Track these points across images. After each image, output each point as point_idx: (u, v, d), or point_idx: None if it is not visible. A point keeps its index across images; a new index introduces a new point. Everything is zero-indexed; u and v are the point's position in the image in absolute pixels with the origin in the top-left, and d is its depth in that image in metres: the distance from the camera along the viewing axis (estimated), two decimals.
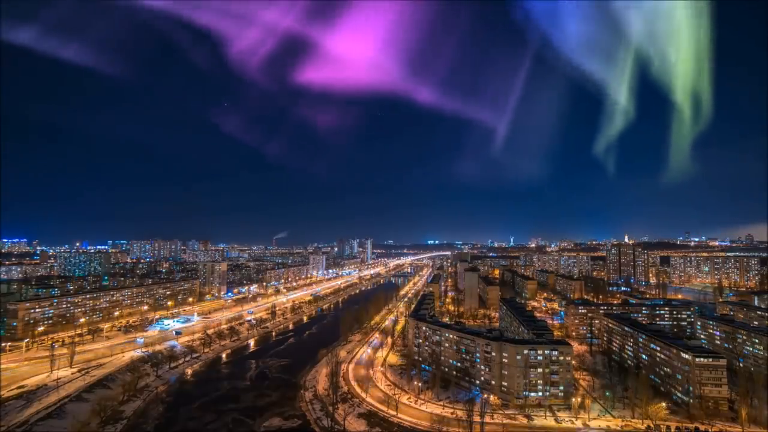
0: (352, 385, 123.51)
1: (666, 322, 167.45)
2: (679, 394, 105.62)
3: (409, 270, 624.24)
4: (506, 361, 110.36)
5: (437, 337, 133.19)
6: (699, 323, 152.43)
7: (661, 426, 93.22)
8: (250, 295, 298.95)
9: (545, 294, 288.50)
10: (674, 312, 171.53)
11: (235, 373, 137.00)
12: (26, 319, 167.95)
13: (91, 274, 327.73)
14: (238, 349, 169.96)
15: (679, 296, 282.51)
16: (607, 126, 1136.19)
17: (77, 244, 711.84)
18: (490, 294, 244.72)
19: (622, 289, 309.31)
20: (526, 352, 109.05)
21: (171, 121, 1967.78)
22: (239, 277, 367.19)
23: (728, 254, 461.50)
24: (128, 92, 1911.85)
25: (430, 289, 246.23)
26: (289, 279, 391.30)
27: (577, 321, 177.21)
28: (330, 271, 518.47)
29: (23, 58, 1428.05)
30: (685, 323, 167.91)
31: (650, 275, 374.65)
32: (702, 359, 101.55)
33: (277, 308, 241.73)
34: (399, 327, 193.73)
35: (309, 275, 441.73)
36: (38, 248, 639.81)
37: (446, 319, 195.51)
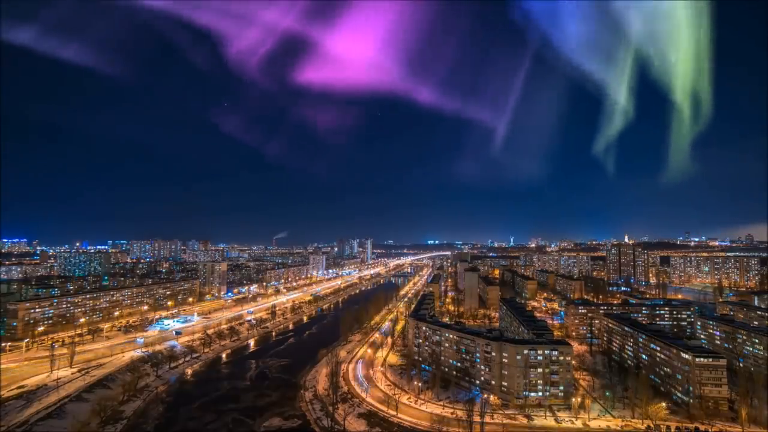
0: (352, 385, 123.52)
1: (666, 322, 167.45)
2: (679, 394, 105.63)
3: (409, 270, 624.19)
4: (506, 361, 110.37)
5: (437, 337, 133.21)
6: (699, 323, 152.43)
7: (661, 426, 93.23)
8: (250, 295, 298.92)
9: (545, 294, 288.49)
10: (674, 312, 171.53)
11: (235, 373, 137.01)
12: (26, 319, 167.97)
13: (91, 274, 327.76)
14: (238, 349, 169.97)
15: (679, 296, 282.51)
16: (606, 126, 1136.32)
17: (77, 244, 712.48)
18: (490, 294, 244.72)
19: (622, 289, 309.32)
20: (526, 352, 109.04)
21: (171, 121, 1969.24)
22: (239, 277, 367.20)
23: (728, 254, 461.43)
24: (128, 92, 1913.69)
25: (430, 289, 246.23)
26: (289, 279, 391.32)
27: (577, 321, 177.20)
28: (330, 271, 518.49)
29: (23, 58, 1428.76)
30: (685, 323, 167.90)
31: (650, 275, 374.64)
32: (702, 359, 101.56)
33: (277, 308, 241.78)
34: (399, 327, 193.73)
35: (309, 275, 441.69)
36: (38, 248, 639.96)
37: (446, 319, 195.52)
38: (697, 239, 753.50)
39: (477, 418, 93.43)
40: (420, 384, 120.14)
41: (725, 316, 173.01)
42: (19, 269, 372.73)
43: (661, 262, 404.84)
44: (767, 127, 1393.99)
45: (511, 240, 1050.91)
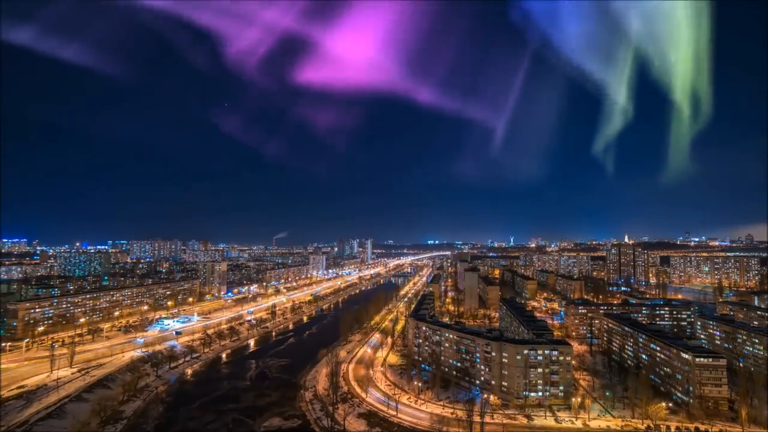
0: (352, 385, 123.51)
1: (666, 322, 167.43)
2: (679, 394, 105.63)
3: (409, 270, 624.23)
4: (506, 361, 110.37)
5: (437, 337, 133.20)
6: (699, 323, 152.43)
7: (661, 426, 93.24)
8: (250, 295, 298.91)
9: (545, 294, 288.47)
10: (674, 312, 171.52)
11: (235, 373, 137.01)
12: (26, 319, 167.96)
13: (91, 274, 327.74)
14: (238, 349, 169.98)
15: (679, 296, 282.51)
16: (606, 126, 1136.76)
17: (77, 244, 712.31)
18: (490, 294, 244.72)
19: (622, 289, 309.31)
20: (526, 352, 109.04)
21: (171, 121, 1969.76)
22: (239, 277, 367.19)
23: (728, 254, 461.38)
24: (128, 92, 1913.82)
25: (430, 289, 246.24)
26: (289, 279, 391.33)
27: (577, 321, 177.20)
28: (330, 271, 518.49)
29: (23, 58, 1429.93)
30: (685, 323, 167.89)
31: (650, 275, 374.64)
32: (702, 359, 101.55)
33: (277, 308, 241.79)
34: (399, 327, 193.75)
35: (309, 275, 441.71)
36: (38, 248, 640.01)
37: (446, 319, 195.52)
38: (697, 239, 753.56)
39: (477, 418, 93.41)
40: (420, 384, 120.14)
41: (725, 316, 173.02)
42: (19, 269, 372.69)
43: (661, 262, 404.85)
44: (767, 127, 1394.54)
45: (511, 240, 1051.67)
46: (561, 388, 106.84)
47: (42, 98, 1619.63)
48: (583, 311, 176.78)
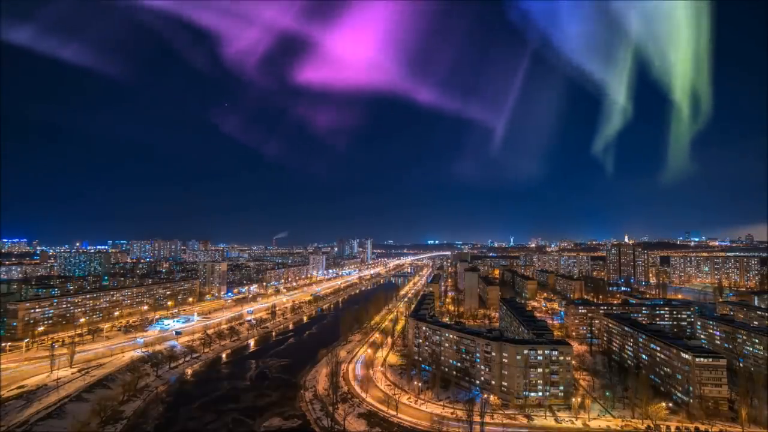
0: (352, 385, 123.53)
1: (666, 322, 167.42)
2: (679, 394, 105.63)
3: (409, 270, 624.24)
4: (506, 361, 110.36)
5: (437, 337, 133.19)
6: (699, 323, 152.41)
7: (661, 426, 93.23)
8: (250, 295, 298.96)
9: (545, 294, 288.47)
10: (674, 312, 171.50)
11: (235, 373, 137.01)
12: (26, 319, 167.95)
13: (91, 274, 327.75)
14: (238, 349, 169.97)
15: (679, 296, 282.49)
16: (606, 126, 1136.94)
17: (77, 244, 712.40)
18: (490, 294, 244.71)
19: (622, 289, 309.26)
20: (526, 352, 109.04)
21: (171, 121, 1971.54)
22: (239, 277, 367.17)
23: (728, 254, 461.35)
24: (128, 92, 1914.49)
25: (430, 289, 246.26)
26: (289, 279, 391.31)
27: (577, 321, 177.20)
28: (330, 271, 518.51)
29: (23, 58, 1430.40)
30: (685, 323, 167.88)
31: (650, 275, 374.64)
32: (702, 359, 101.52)
33: (277, 308, 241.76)
34: (399, 327, 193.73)
35: (309, 275, 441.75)
36: (38, 248, 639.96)
37: (446, 319, 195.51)
38: (697, 239, 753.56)
39: (477, 418, 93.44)
40: (420, 384, 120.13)
41: (725, 316, 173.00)
42: (19, 269, 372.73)
43: (661, 262, 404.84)
44: (767, 127, 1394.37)
45: (511, 240, 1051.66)
46: (561, 388, 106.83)
47: (42, 98, 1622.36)
48: (583, 311, 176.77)
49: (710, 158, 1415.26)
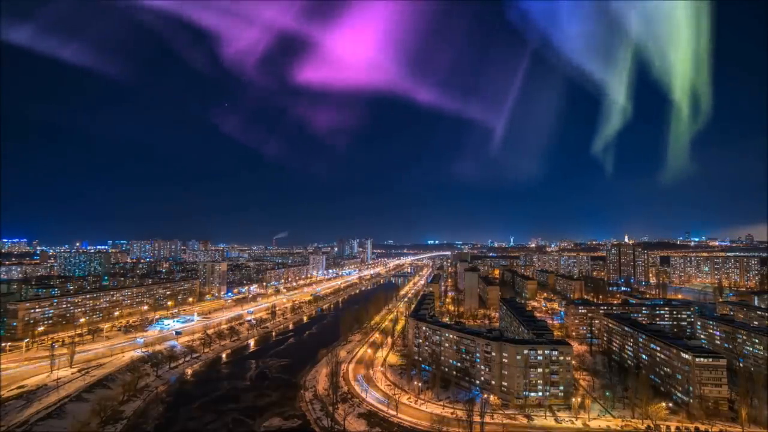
0: (352, 385, 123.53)
1: (666, 322, 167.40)
2: (679, 394, 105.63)
3: (409, 270, 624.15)
4: (506, 361, 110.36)
5: (437, 337, 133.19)
6: (699, 323, 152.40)
7: (661, 426, 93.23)
8: (250, 295, 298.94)
9: (545, 294, 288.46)
10: (674, 312, 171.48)
11: (235, 373, 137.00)
12: (26, 319, 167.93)
13: (91, 274, 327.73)
14: (238, 349, 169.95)
15: (679, 296, 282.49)
16: (606, 126, 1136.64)
17: (77, 244, 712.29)
18: (490, 294, 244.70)
19: (622, 289, 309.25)
20: (526, 352, 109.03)
21: (171, 121, 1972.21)
22: (239, 277, 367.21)
23: (728, 254, 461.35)
24: (128, 92, 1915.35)
25: (430, 289, 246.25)
26: (289, 279, 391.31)
27: (577, 321, 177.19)
28: (330, 271, 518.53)
29: (23, 58, 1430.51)
30: (685, 323, 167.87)
31: (650, 275, 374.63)
32: (702, 359, 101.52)
33: (277, 308, 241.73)
34: (399, 327, 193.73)
35: (309, 275, 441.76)
36: (38, 248, 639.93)
37: (446, 319, 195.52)
38: (697, 239, 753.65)
39: (477, 418, 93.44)
40: (420, 384, 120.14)
41: (725, 316, 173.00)
42: (19, 269, 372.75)
43: (661, 262, 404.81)
44: (767, 127, 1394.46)
45: (511, 240, 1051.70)
46: (561, 388, 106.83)
47: (42, 98, 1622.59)
48: (583, 311, 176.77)
49: (710, 158, 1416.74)
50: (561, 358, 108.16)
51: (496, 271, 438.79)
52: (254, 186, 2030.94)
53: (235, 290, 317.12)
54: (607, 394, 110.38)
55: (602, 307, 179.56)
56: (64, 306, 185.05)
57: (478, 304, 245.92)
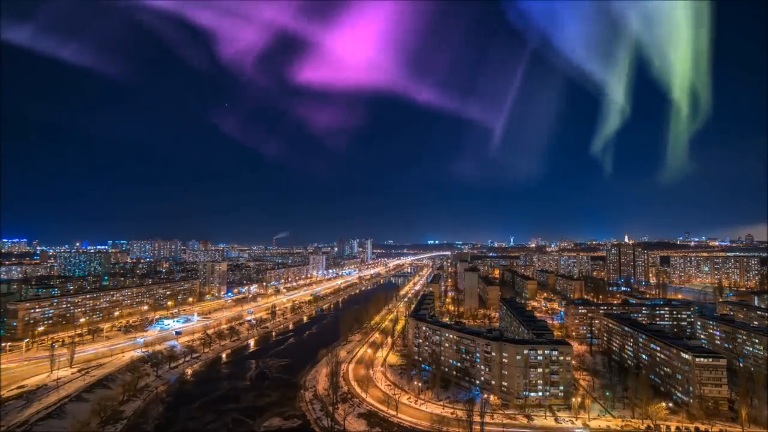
0: (352, 385, 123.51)
1: (666, 322, 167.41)
2: (679, 394, 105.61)
3: (409, 270, 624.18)
4: (506, 361, 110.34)
5: (437, 337, 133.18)
6: (699, 323, 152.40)
7: (661, 426, 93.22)
8: (250, 295, 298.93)
9: (545, 294, 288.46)
10: (674, 312, 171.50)
11: (235, 373, 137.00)
12: (26, 319, 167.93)
13: (91, 274, 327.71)
14: (238, 349, 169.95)
15: (679, 296, 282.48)
16: (606, 125, 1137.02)
17: (77, 244, 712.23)
18: (490, 294, 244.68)
19: (622, 289, 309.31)
20: (526, 352, 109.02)
21: (171, 121, 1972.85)
22: (239, 277, 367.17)
23: (728, 254, 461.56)
24: (128, 92, 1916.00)
25: (430, 289, 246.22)
26: (289, 279, 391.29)
27: (577, 321, 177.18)
28: (330, 271, 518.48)
29: (23, 57, 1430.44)
30: (685, 323, 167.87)
31: (650, 275, 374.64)
32: (702, 359, 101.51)
33: (277, 308, 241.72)
34: (399, 327, 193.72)
35: (309, 275, 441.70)
36: (38, 248, 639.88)
37: (446, 319, 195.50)
38: (697, 239, 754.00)
39: (477, 418, 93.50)
40: (420, 384, 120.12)
41: (725, 316, 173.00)
42: (19, 269, 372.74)
43: (661, 262, 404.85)
44: (767, 127, 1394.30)
45: (511, 240, 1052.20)
46: (561, 388, 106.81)
47: (42, 98, 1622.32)
48: (583, 311, 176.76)
49: (710, 158, 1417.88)
50: (561, 358, 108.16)
51: (496, 271, 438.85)
52: (254, 186, 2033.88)
53: (235, 290, 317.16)
54: (607, 394, 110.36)
55: (602, 307, 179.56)
56: (64, 306, 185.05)
57: (478, 304, 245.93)
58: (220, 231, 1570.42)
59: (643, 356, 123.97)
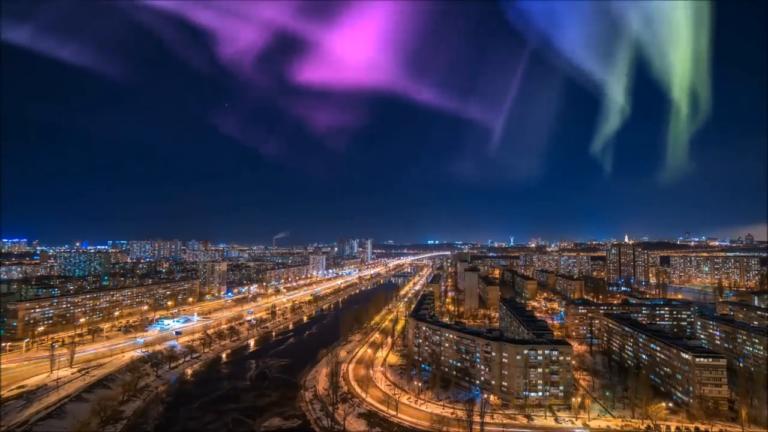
0: (352, 385, 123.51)
1: (666, 322, 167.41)
2: (679, 394, 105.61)
3: (409, 270, 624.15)
4: (506, 361, 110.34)
5: (437, 337, 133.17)
6: (699, 323, 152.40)
7: (661, 426, 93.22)
8: (250, 295, 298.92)
9: (545, 294, 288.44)
10: (674, 312, 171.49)
11: (235, 373, 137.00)
12: (26, 319, 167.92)
13: (91, 274, 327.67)
14: (238, 349, 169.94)
15: (679, 296, 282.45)
16: (606, 125, 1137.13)
17: (77, 244, 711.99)
18: (490, 294, 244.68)
19: (622, 289, 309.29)
20: (526, 352, 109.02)
21: (170, 121, 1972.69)
22: (239, 277, 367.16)
23: (728, 254, 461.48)
24: (128, 92, 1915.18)
25: (430, 289, 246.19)
26: (289, 279, 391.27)
27: (577, 321, 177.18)
28: (330, 271, 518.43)
29: (23, 57, 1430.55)
30: (685, 323, 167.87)
31: (650, 275, 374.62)
32: (702, 359, 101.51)
33: (277, 308, 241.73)
34: (399, 327, 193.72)
35: (309, 275, 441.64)
36: (38, 248, 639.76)
37: (446, 319, 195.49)
38: (697, 239, 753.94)
39: (477, 418, 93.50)
40: (420, 384, 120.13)
41: (725, 316, 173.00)
42: (19, 269, 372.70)
43: (661, 262, 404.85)
44: (767, 127, 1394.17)
45: (511, 240, 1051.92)
46: (561, 388, 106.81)
47: (42, 98, 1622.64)
48: (583, 311, 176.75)
49: (710, 158, 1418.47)
50: (561, 358, 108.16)
51: (496, 271, 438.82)
52: (254, 186, 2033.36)
53: (235, 290, 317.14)
54: (607, 394, 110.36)
55: (602, 307, 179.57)
56: (64, 306, 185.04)
57: (478, 304, 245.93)
58: (220, 231, 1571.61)
59: (643, 356, 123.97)
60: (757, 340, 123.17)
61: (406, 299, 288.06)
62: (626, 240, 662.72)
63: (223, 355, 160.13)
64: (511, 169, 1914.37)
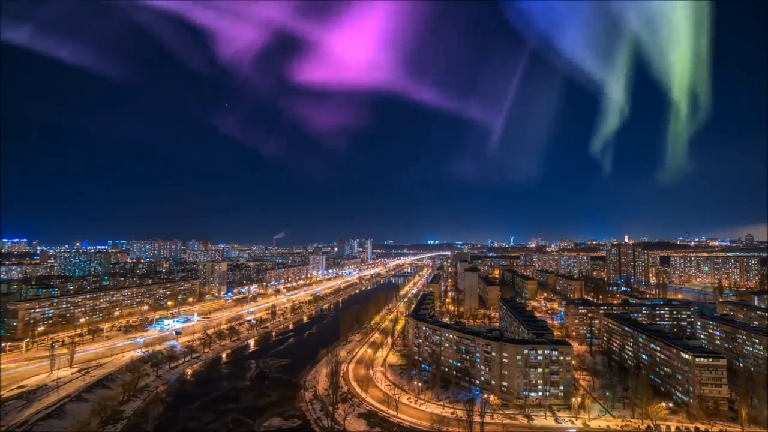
0: (352, 385, 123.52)
1: (666, 322, 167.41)
2: (679, 394, 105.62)
3: (409, 270, 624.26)
4: (506, 361, 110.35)
5: (437, 337, 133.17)
6: (699, 323, 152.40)
7: (661, 426, 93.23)
8: (250, 295, 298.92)
9: (545, 294, 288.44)
10: (674, 312, 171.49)
11: (235, 373, 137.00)
12: (26, 319, 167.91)
13: (91, 274, 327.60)
14: (238, 349, 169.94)
15: (679, 296, 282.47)
16: (605, 125, 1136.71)
17: (77, 244, 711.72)
18: (490, 294, 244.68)
19: (622, 289, 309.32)
20: (526, 352, 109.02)
21: (170, 121, 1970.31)
22: (239, 277, 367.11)
23: (728, 254, 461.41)
24: (128, 92, 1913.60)
25: (430, 289, 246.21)
26: (289, 279, 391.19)
27: (577, 321, 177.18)
28: (330, 271, 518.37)
29: (23, 58, 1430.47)
30: (685, 323, 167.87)
31: (650, 275, 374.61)
32: (702, 359, 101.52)
33: (277, 308, 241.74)
34: (399, 327, 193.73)
35: (309, 275, 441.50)
36: (38, 248, 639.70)
37: (446, 319, 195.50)
38: (697, 239, 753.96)
39: (477, 418, 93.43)
40: (420, 384, 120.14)
41: (725, 316, 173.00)
42: (19, 269, 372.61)
43: (661, 262, 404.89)
44: (767, 127, 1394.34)
45: (511, 240, 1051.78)
46: (561, 388, 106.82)
47: (42, 98, 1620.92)
48: (583, 311, 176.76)
49: (710, 158, 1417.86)
50: (561, 358, 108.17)
51: (496, 271, 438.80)
52: (254, 186, 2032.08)
53: (235, 290, 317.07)
54: (607, 394, 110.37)
55: (602, 307, 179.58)
56: (64, 306, 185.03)
57: (478, 304, 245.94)
58: (220, 231, 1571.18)
59: (643, 356, 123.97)
60: (757, 340, 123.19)
61: (406, 299, 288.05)
62: (626, 240, 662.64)
63: (223, 355, 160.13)
64: (510, 169, 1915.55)
